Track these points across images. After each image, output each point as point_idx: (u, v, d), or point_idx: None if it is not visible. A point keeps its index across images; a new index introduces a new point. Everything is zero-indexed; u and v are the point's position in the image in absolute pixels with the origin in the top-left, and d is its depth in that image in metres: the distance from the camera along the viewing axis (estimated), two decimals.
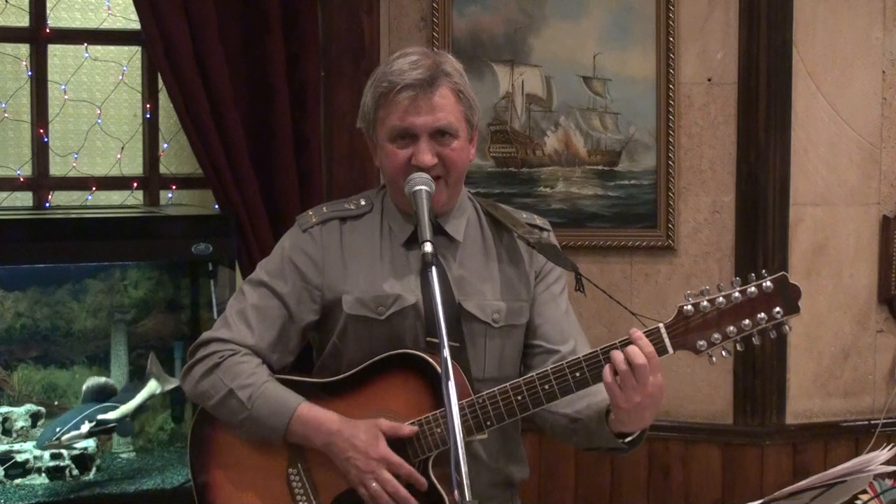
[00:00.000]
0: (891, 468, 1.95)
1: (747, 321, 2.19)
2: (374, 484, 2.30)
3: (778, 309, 2.18)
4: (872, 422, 3.67)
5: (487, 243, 2.52)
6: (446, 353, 2.00)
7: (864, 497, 2.34)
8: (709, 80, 3.61)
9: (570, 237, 3.68)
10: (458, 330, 2.41)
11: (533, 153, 3.72)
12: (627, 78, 3.63)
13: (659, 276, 3.66)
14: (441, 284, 2.34)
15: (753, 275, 2.22)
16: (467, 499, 1.86)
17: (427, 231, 2.21)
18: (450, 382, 1.96)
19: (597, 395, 2.33)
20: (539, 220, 2.61)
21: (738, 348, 2.22)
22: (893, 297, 3.68)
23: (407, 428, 2.32)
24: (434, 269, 2.13)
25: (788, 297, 2.19)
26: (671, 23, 3.57)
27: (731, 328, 2.19)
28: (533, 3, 3.67)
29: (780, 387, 3.62)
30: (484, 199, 2.61)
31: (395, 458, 2.31)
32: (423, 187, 2.31)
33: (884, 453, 1.94)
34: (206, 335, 2.49)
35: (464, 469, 1.88)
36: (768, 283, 2.19)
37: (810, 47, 3.59)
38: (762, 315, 2.18)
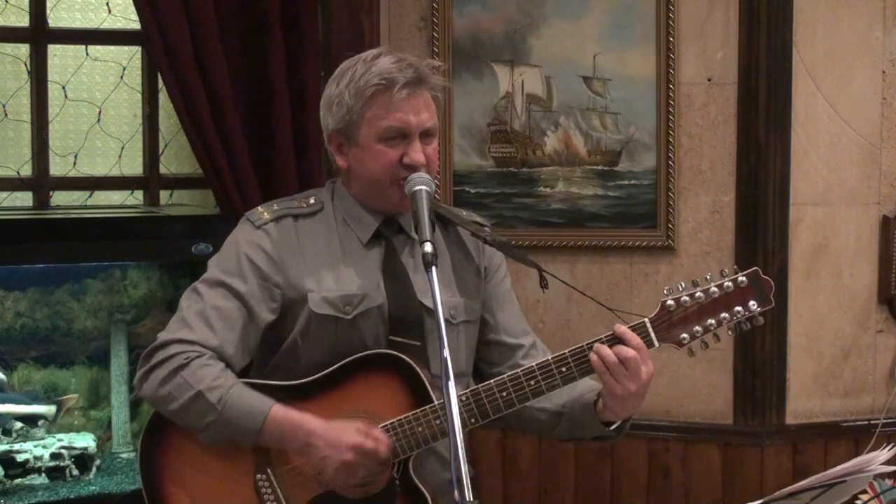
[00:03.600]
0: (891, 468, 1.95)
1: (725, 314, 2.30)
2: (350, 457, 2.25)
3: (752, 302, 2.30)
4: (872, 422, 3.67)
5: (437, 241, 2.48)
6: (446, 353, 1.99)
7: (864, 497, 2.34)
8: (709, 80, 3.61)
9: (570, 237, 3.69)
10: (420, 327, 2.41)
11: (533, 153, 3.72)
12: (627, 78, 3.63)
13: (659, 276, 3.66)
14: (404, 282, 2.37)
15: (727, 270, 2.33)
16: (468, 499, 1.85)
17: (427, 231, 2.20)
18: (450, 382, 1.95)
19: (575, 387, 2.37)
20: (479, 218, 2.61)
21: (715, 341, 2.33)
22: (893, 297, 3.68)
23: (384, 451, 2.28)
24: (434, 269, 2.13)
25: (762, 290, 2.32)
26: (671, 23, 3.57)
27: (711, 321, 2.30)
28: (533, 3, 3.67)
29: (780, 387, 3.62)
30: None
31: (370, 443, 2.26)
32: (424, 187, 2.30)
33: (884, 453, 1.94)
34: (164, 337, 2.36)
35: (464, 469, 1.87)
36: (742, 278, 2.30)
37: (810, 47, 3.59)
38: (738, 308, 2.30)
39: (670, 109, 3.59)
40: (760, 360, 3.60)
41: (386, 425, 2.32)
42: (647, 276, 3.67)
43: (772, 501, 1.92)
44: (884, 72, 3.64)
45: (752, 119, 3.57)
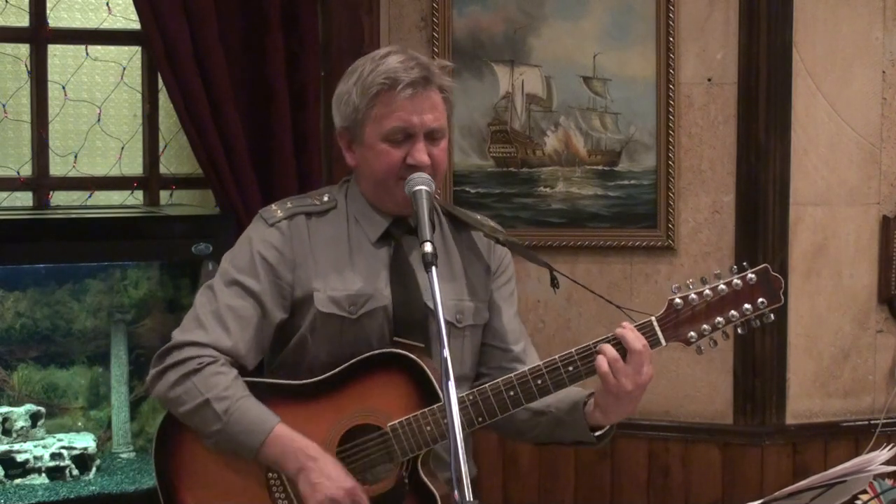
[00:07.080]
0: (891, 468, 1.95)
1: (734, 312, 2.28)
2: (339, 495, 2.28)
3: (762, 300, 2.29)
4: (872, 422, 3.67)
5: (448, 243, 2.51)
6: (446, 353, 1.99)
7: (864, 497, 2.34)
8: (709, 80, 3.61)
9: (570, 237, 3.69)
10: (424, 329, 2.40)
11: (533, 153, 3.72)
12: (627, 78, 3.63)
13: (659, 276, 3.66)
14: (410, 283, 2.37)
15: (736, 267, 2.31)
16: (468, 499, 1.85)
17: (427, 231, 2.21)
18: (450, 382, 1.96)
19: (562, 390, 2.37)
20: (493, 223, 2.61)
21: (724, 339, 2.31)
22: (893, 297, 3.68)
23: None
24: (434, 269, 2.13)
25: (771, 287, 2.30)
26: (671, 23, 3.57)
27: (719, 319, 2.28)
28: (533, 3, 3.67)
29: (780, 387, 3.62)
30: (441, 200, 2.61)
31: (361, 496, 2.29)
32: (424, 187, 2.31)
33: (884, 453, 1.94)
34: (179, 338, 2.38)
35: (464, 469, 1.87)
36: (751, 276, 2.29)
37: (810, 47, 3.59)
38: (748, 306, 2.28)
39: (670, 109, 3.59)
40: (760, 360, 3.60)
41: (394, 424, 2.32)
42: (648, 276, 3.67)
43: (772, 501, 1.92)
44: (884, 72, 3.64)
45: (752, 119, 3.57)
